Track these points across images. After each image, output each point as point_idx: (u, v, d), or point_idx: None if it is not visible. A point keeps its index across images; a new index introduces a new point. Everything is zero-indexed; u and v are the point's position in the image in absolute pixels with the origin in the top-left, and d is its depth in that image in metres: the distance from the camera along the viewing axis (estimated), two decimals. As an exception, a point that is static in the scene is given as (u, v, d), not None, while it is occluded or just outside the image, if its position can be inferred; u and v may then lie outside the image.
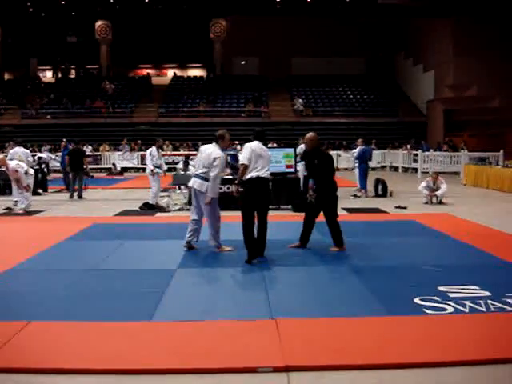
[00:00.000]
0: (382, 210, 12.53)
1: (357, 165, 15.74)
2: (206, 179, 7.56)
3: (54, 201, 14.89)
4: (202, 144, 8.92)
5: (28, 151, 16.20)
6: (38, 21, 38.48)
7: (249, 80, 37.19)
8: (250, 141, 7.53)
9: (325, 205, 7.84)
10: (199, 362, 4.03)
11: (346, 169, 25.84)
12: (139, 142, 29.77)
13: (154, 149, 13.23)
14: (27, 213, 12.22)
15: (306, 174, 13.96)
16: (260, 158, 7.25)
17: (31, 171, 13.26)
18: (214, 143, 7.78)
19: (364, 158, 15.48)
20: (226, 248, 7.93)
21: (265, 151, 7.42)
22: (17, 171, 12.20)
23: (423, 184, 13.71)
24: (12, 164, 12.38)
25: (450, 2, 24.91)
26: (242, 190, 7.46)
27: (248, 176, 7.21)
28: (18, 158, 13.82)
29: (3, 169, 12.94)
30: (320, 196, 7.83)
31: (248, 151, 7.28)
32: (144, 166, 27.71)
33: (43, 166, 19.15)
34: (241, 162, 7.42)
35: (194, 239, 7.99)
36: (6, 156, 14.29)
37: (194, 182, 7.75)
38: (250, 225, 7.21)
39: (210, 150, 7.67)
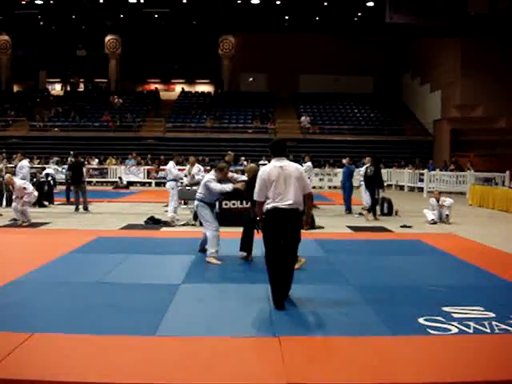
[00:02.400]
0: (387, 228, 12.49)
1: (362, 183, 15.67)
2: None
3: (60, 213, 14.93)
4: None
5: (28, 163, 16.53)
6: (48, 34, 38.99)
7: (256, 96, 37.35)
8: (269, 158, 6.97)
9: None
10: (201, 379, 4.02)
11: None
12: (149, 156, 29.89)
13: (173, 163, 13.43)
14: (32, 225, 12.25)
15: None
16: (278, 184, 5.80)
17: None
18: (212, 170, 8.59)
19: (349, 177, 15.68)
20: (214, 260, 8.10)
21: (285, 170, 5.86)
22: (25, 188, 12.31)
23: (430, 206, 13.70)
24: (19, 182, 12.54)
25: (458, 22, 24.99)
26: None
27: (265, 207, 5.91)
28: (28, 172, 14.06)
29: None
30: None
31: (258, 183, 5.94)
32: (150, 181, 28.01)
33: (49, 178, 19.23)
34: (254, 198, 6.11)
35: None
36: (14, 167, 14.45)
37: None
38: (273, 258, 5.85)
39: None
